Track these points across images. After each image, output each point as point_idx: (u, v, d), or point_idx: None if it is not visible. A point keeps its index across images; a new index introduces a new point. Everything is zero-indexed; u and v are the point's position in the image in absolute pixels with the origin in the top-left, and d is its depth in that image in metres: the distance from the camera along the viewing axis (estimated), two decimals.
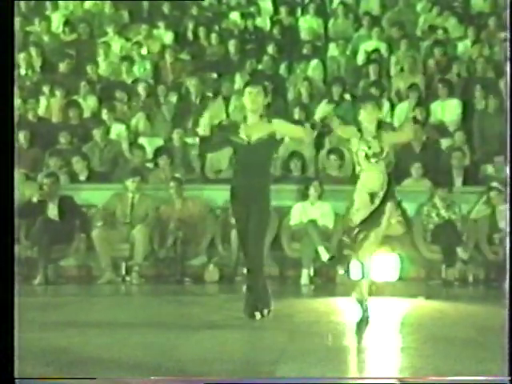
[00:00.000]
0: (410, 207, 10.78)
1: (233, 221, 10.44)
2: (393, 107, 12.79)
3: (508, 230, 8.77)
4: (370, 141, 7.35)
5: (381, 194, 7.27)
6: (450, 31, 14.52)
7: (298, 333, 6.91)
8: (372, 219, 7.27)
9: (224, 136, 7.61)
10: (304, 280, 10.32)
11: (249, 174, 7.29)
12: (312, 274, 10.44)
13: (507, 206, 6.99)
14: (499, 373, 5.32)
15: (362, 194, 7.33)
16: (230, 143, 7.43)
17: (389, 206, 7.31)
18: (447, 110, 12.63)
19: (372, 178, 7.31)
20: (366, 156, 7.32)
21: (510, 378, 3.72)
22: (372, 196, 7.29)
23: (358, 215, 7.34)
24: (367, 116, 7.36)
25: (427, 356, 5.82)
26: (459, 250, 10.48)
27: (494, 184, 10.84)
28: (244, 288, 7.50)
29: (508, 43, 2.88)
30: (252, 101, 7.31)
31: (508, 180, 5.61)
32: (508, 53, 3.20)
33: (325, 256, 10.22)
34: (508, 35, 3.19)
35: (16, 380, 3.72)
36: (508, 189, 6.82)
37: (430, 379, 3.53)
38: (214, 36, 14.45)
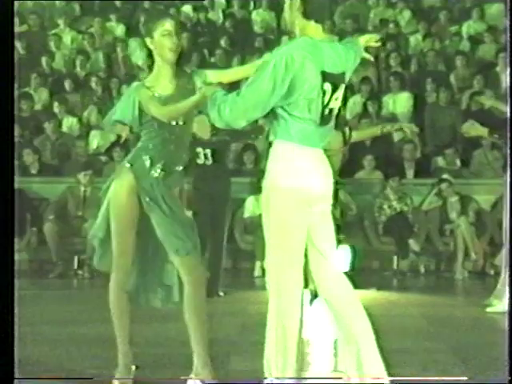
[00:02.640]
0: (362, 199, 10.86)
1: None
2: (346, 99, 12.83)
3: (508, 226, 8.80)
4: None
5: None
6: (402, 25, 14.64)
7: (251, 325, 6.92)
8: None
9: None
10: (257, 272, 10.36)
11: None
12: (265, 266, 10.46)
13: (508, 202, 7.05)
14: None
15: None
16: None
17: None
18: (399, 103, 12.73)
19: None
20: None
21: (510, 378, 3.74)
22: None
23: None
24: None
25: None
26: (411, 242, 10.58)
27: (445, 176, 10.96)
28: None
29: (508, 42, 2.91)
30: None
31: (508, 173, 5.61)
32: (508, 51, 3.26)
33: None
34: (508, 34, 3.27)
35: (15, 380, 3.68)
36: (508, 179, 6.88)
37: (429, 379, 3.55)
38: None
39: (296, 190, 3.95)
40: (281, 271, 4.04)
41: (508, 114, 5.63)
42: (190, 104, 4.38)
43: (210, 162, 8.23)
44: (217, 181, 8.28)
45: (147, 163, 4.60)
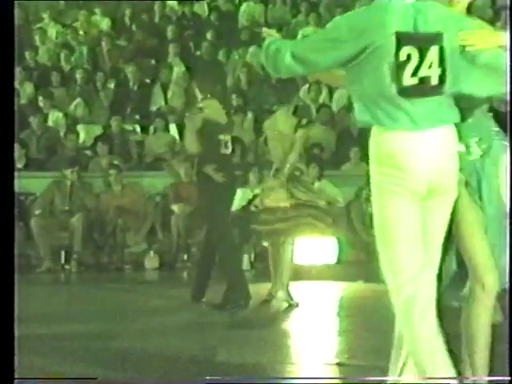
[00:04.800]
0: (349, 191, 10.88)
1: (174, 207, 10.50)
2: (331, 92, 12.86)
3: (508, 225, 8.76)
4: None
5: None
6: None
7: (239, 317, 6.94)
8: None
9: None
10: (245, 265, 10.36)
11: None
12: (253, 258, 10.48)
13: (508, 198, 7.02)
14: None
15: None
16: None
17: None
18: None
19: None
20: None
21: (510, 378, 3.68)
22: None
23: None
24: None
25: (365, 338, 5.89)
26: None
27: None
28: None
29: (508, 40, 2.85)
30: None
31: (508, 170, 5.63)
32: (508, 50, 3.17)
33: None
34: (508, 33, 3.14)
35: (16, 380, 3.67)
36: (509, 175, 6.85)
37: (427, 379, 3.48)
38: (151, 22, 14.36)
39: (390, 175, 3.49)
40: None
41: (508, 111, 5.54)
42: None
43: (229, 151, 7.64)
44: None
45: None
